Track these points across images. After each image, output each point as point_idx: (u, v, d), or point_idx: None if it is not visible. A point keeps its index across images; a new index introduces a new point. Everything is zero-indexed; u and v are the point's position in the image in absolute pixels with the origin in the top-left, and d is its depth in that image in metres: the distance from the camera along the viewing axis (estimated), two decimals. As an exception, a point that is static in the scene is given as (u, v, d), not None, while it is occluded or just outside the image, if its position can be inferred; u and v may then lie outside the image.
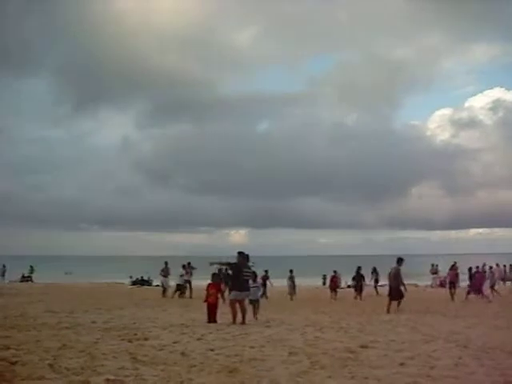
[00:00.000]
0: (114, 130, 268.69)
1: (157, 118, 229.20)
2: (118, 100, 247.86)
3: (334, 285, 30.06)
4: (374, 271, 32.74)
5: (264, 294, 26.95)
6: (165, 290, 28.53)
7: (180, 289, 28.25)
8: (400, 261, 20.23)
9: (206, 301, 15.81)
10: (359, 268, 30.42)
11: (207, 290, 16.29)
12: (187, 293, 27.62)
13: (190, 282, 27.96)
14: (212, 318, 15.24)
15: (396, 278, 19.95)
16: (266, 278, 28.65)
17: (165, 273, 29.45)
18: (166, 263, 29.85)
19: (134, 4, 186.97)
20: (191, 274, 28.21)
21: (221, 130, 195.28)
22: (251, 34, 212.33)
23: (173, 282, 29.36)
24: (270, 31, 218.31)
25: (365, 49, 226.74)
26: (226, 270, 22.35)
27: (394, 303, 19.62)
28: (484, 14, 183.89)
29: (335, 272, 30.89)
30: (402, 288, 20.03)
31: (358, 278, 30.14)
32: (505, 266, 41.94)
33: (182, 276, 28.50)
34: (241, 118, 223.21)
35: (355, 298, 28.76)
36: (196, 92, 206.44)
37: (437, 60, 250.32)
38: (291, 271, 30.01)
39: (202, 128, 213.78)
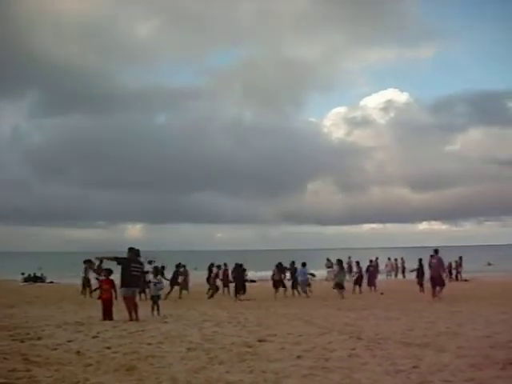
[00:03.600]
0: (4, 120, 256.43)
1: (51, 109, 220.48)
2: (9, 90, 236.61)
3: (227, 278, 27.64)
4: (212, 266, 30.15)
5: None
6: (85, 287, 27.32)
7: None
8: (437, 252, 22.45)
9: (100, 297, 15.45)
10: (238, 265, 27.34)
11: (100, 286, 15.93)
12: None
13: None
14: (107, 314, 14.81)
15: (438, 268, 22.11)
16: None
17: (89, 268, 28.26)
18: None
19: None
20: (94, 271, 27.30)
21: (118, 122, 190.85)
22: (153, 26, 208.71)
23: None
24: (172, 23, 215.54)
25: (268, 46, 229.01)
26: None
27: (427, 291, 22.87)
28: (381, 18, 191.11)
29: (226, 265, 28.11)
30: (444, 275, 23.17)
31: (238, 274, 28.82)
32: (396, 259, 43.99)
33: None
34: (139, 110, 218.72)
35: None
36: (93, 83, 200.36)
37: (336, 60, 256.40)
38: (183, 266, 28.99)
39: (99, 120, 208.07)
